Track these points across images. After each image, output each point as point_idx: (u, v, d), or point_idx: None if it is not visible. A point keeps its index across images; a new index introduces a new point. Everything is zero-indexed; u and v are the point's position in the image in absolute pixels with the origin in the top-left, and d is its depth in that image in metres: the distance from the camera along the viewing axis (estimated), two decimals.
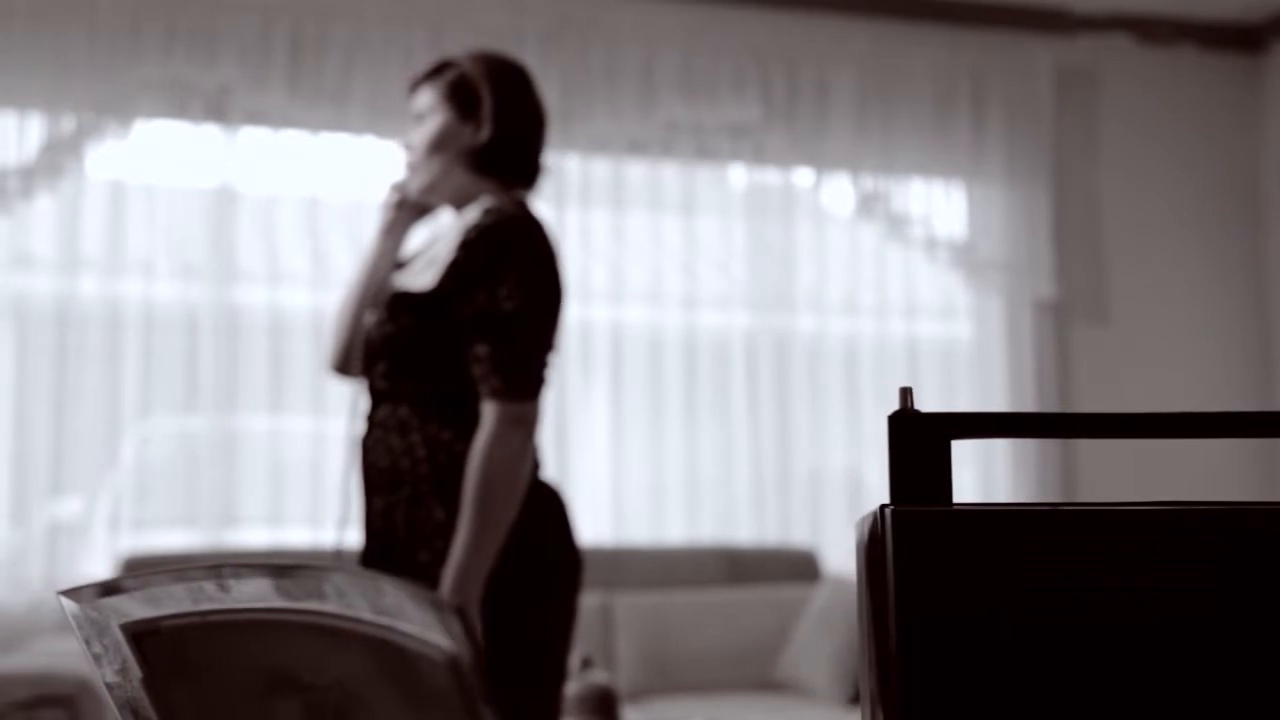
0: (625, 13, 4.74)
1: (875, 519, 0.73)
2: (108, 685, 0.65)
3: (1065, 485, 4.98)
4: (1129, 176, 5.26)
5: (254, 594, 0.59)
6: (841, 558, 4.77)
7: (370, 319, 2.27)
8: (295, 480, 4.40)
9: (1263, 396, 5.19)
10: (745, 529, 4.75)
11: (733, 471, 4.77)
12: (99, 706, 3.24)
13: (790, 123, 4.84)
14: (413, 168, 2.31)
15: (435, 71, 2.32)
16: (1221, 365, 5.26)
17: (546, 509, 2.22)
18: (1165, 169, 5.30)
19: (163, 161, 4.44)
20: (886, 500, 0.74)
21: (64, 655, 3.51)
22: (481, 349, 2.12)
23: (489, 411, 2.12)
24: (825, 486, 4.85)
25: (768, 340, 4.82)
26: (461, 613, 0.48)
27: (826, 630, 4.23)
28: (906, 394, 0.78)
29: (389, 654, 0.52)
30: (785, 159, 4.87)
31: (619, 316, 4.72)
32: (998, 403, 4.97)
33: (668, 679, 4.28)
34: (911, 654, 0.71)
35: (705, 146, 4.80)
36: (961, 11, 5.03)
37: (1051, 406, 4.95)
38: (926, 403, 4.95)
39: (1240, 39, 5.34)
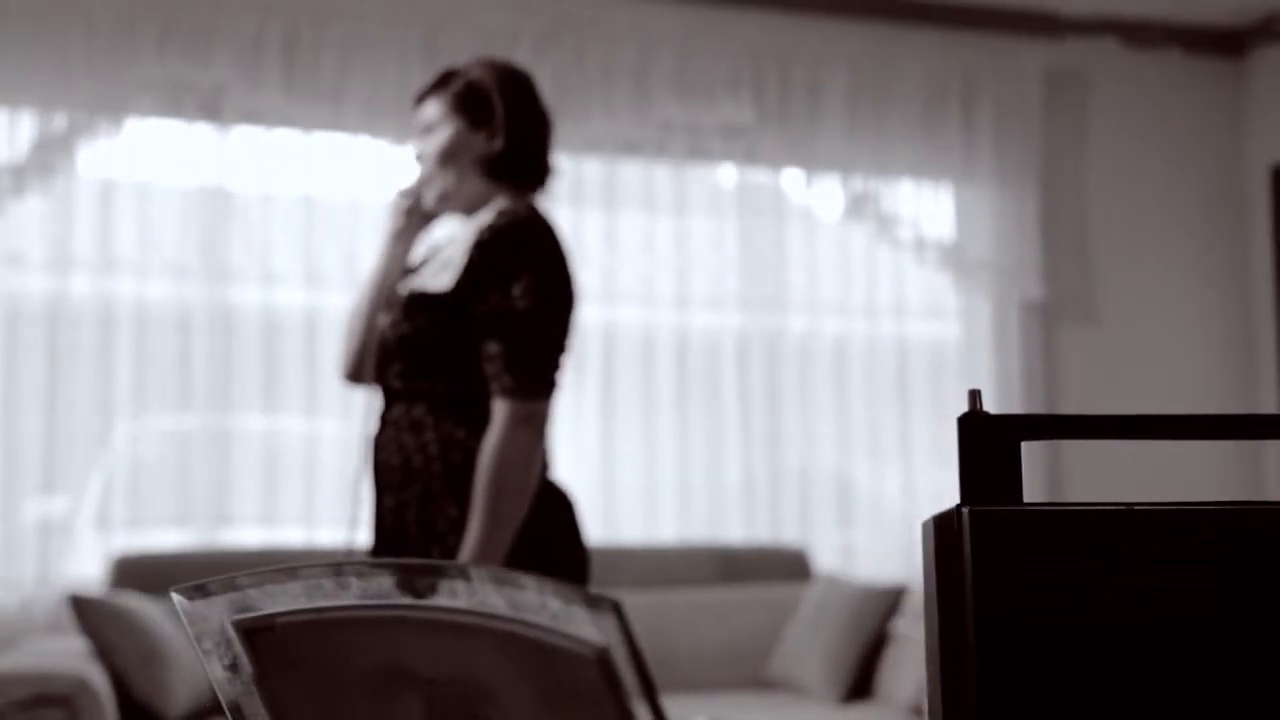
0: (621, 13, 4.75)
1: (949, 519, 0.75)
2: (215, 682, 0.65)
3: (1052, 485, 5.01)
4: (1116, 178, 5.30)
5: (374, 591, 0.60)
6: (831, 556, 4.80)
7: (384, 321, 2.28)
8: (288, 480, 4.39)
9: (1248, 396, 5.24)
10: (736, 528, 4.77)
11: (724, 471, 4.78)
12: (97, 706, 3.23)
13: (782, 124, 4.85)
14: (426, 178, 2.32)
15: (440, 83, 2.32)
16: (1207, 365, 5.30)
17: (556, 509, 2.23)
18: (1152, 170, 5.34)
19: (155, 160, 4.42)
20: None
21: (61, 654, 3.50)
22: (494, 347, 2.13)
23: (499, 410, 2.13)
24: (815, 486, 4.86)
25: (758, 340, 4.83)
26: (618, 609, 0.49)
27: (818, 629, 4.26)
28: (975, 396, 0.79)
29: (524, 649, 0.53)
30: (777, 160, 4.88)
31: (610, 316, 4.72)
32: (986, 403, 4.98)
33: (660, 678, 4.23)
34: (989, 653, 0.72)
35: (698, 147, 4.81)
36: (952, 14, 5.06)
37: (1039, 407, 4.98)
38: (915, 402, 4.98)
39: (1225, 43, 5.39)
